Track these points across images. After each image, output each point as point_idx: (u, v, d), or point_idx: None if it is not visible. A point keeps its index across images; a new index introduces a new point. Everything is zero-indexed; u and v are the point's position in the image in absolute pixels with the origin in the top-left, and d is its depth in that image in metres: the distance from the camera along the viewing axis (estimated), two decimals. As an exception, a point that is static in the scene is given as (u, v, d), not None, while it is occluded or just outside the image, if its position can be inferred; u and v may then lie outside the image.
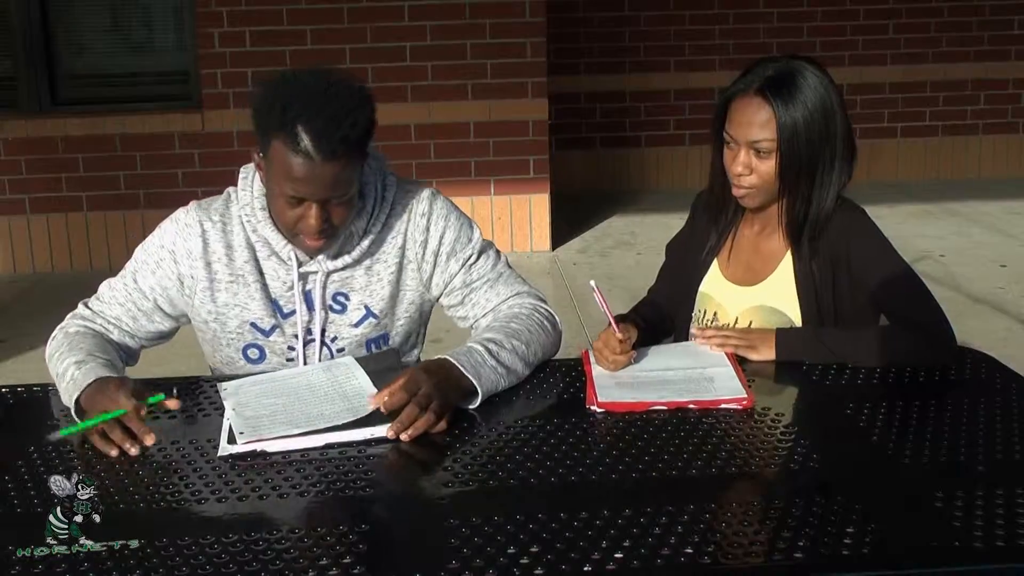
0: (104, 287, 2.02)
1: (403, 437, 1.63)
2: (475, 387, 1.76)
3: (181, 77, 6.01)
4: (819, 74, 1.94)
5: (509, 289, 2.02)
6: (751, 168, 1.96)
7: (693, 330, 2.14)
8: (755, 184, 1.97)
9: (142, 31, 6.19)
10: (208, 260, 1.95)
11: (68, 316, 2.01)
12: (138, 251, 2.01)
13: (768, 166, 1.95)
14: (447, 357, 1.78)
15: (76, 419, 1.72)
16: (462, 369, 1.76)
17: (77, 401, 1.74)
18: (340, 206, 1.82)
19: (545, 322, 1.98)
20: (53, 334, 1.96)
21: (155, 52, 6.18)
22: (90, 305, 2.01)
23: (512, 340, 1.88)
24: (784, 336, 1.94)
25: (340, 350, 1.99)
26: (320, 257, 1.94)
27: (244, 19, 5.76)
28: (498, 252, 2.07)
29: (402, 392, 1.67)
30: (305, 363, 1.98)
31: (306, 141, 1.73)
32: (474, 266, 2.01)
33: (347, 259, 1.95)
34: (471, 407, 1.77)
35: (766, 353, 1.92)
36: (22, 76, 5.89)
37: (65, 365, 1.82)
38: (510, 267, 2.07)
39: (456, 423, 1.70)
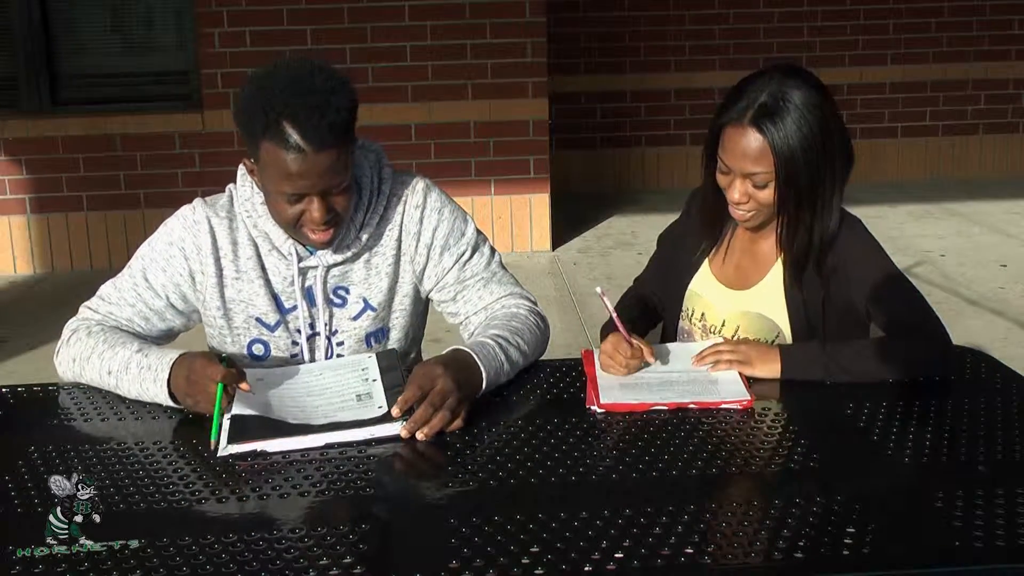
0: (108, 288, 1.98)
1: (419, 436, 1.63)
2: (482, 382, 1.76)
3: (181, 77, 6.01)
4: (812, 90, 1.88)
5: (502, 288, 2.03)
6: (748, 196, 1.92)
7: (682, 325, 2.14)
8: (755, 209, 1.94)
9: (142, 31, 6.18)
10: (217, 256, 1.94)
11: (73, 320, 1.96)
12: (144, 249, 1.98)
13: (766, 194, 1.91)
14: (463, 348, 1.79)
15: (172, 401, 1.77)
16: (478, 362, 1.76)
17: (168, 386, 1.77)
18: (340, 194, 1.83)
19: (540, 324, 2.00)
20: (65, 337, 1.92)
21: (155, 52, 6.17)
22: (96, 308, 1.97)
23: (517, 338, 1.90)
24: (789, 354, 1.89)
25: (340, 343, 1.99)
26: (320, 252, 1.94)
27: (244, 19, 5.76)
28: (492, 249, 2.07)
29: (415, 387, 1.66)
30: (309, 358, 1.97)
31: (295, 136, 1.73)
32: (468, 263, 2.01)
33: (347, 253, 1.95)
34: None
35: (764, 369, 1.87)
36: (22, 76, 5.89)
37: (122, 359, 1.83)
38: (503, 266, 2.08)
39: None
